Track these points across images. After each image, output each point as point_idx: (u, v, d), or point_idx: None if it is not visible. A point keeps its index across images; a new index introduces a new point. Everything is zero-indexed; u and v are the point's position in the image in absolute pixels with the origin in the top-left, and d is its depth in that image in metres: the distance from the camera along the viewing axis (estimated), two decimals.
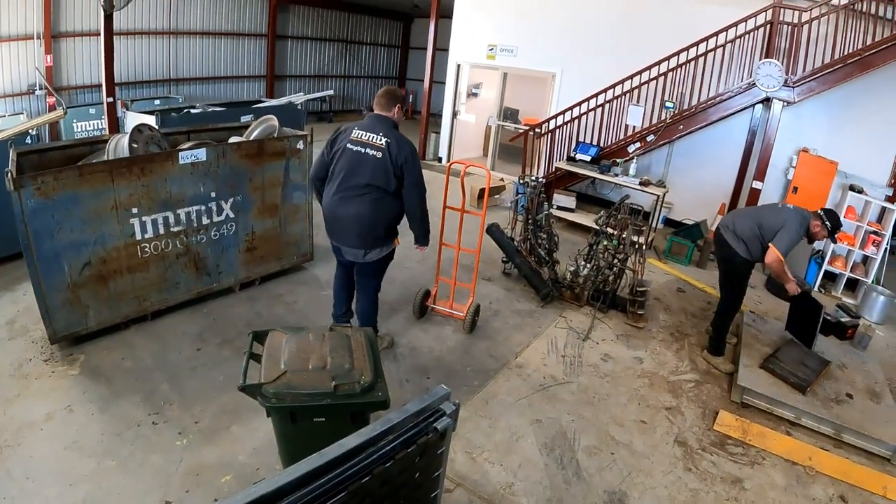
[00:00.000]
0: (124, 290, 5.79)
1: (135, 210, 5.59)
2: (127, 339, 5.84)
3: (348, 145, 4.88)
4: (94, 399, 5.03)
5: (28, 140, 8.08)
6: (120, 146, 5.90)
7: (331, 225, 5.10)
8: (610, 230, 7.06)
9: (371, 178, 4.80)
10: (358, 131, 4.90)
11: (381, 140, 4.79)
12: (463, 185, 6.17)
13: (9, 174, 4.87)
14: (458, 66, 14.18)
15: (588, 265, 7.05)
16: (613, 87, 10.44)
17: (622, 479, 4.42)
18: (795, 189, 9.08)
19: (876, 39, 8.05)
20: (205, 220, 6.15)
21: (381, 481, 2.16)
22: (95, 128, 13.85)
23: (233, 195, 6.29)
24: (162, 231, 5.84)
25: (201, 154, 5.88)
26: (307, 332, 3.72)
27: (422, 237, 5.29)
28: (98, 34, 12.34)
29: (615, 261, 6.95)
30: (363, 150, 4.81)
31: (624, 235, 6.94)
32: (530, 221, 7.52)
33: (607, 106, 10.68)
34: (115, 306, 5.79)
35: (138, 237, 5.70)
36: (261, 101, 13.31)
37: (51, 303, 5.36)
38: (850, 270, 8.92)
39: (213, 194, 6.11)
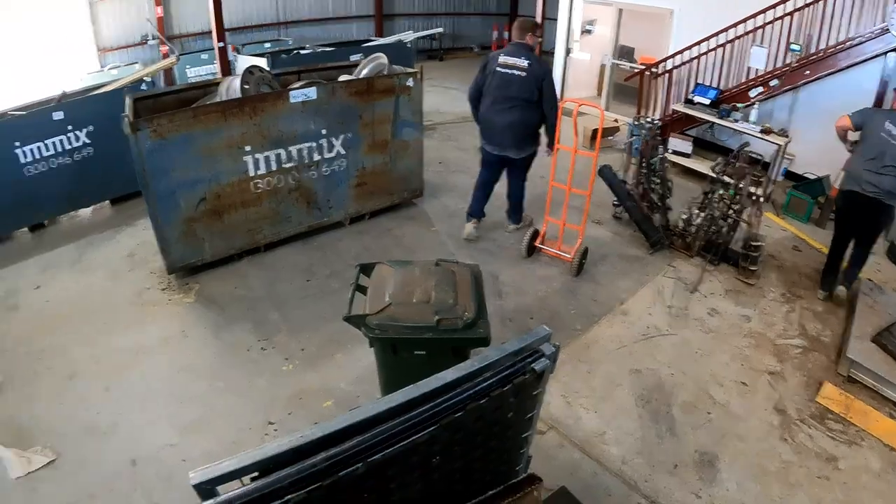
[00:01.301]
0: (238, 224, 6.06)
1: (248, 148, 5.80)
2: (240, 269, 6.14)
3: (497, 69, 6.07)
4: (207, 325, 5.36)
5: (143, 87, 8.48)
6: (232, 88, 6.13)
7: (487, 132, 6.39)
8: (726, 179, 6.68)
9: (518, 93, 6.01)
10: (504, 57, 6.07)
11: (523, 62, 5.98)
12: (575, 124, 6.06)
13: (126, 118, 5.15)
14: (571, 1, 13.61)
15: (701, 214, 6.72)
16: (735, 25, 9.77)
17: (715, 440, 4.28)
18: None
19: None
20: (316, 157, 6.30)
21: (474, 417, 2.16)
22: (208, 73, 14.26)
23: (343, 132, 6.38)
24: (274, 167, 6.04)
25: (311, 93, 5.98)
26: (413, 266, 3.76)
27: (552, 141, 6.19)
28: None
29: (730, 212, 6.61)
30: (510, 72, 6.01)
31: (741, 186, 6.59)
32: (644, 165, 7.20)
33: (728, 46, 9.99)
34: (229, 239, 6.08)
35: (251, 173, 5.92)
36: (370, 41, 13.32)
37: (168, 236, 5.73)
38: None
39: (323, 131, 6.23)
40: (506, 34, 20.44)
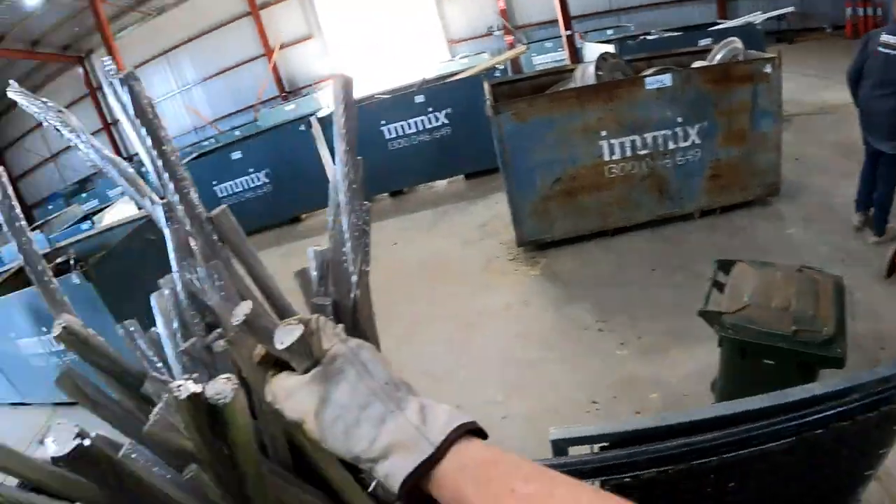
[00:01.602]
0: (588, 206, 6.28)
1: (603, 133, 5.98)
2: (586, 250, 6.33)
3: (879, 48, 5.21)
4: (548, 298, 5.69)
5: (497, 74, 9.15)
6: (587, 74, 6.36)
7: (864, 119, 5.62)
8: None
9: None
10: (885, 36, 5.17)
11: None
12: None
13: (488, 101, 5.80)
14: None
15: None
16: None
17: None
18: None
19: None
20: (670, 145, 6.20)
21: (834, 437, 2.05)
22: (553, 60, 14.81)
23: (698, 121, 6.19)
24: (628, 153, 6.12)
25: (666, 79, 5.94)
26: (775, 269, 3.58)
27: None
28: None
29: None
30: (893, 52, 5.08)
31: None
32: None
33: None
34: (579, 220, 6.35)
35: (605, 158, 6.09)
36: (716, 24, 12.77)
37: (522, 211, 6.24)
38: None
39: (679, 119, 6.11)
40: (861, 10, 18.13)
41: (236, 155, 10.11)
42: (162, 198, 0.93)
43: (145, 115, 0.87)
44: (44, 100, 1.02)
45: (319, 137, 9.39)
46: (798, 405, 2.04)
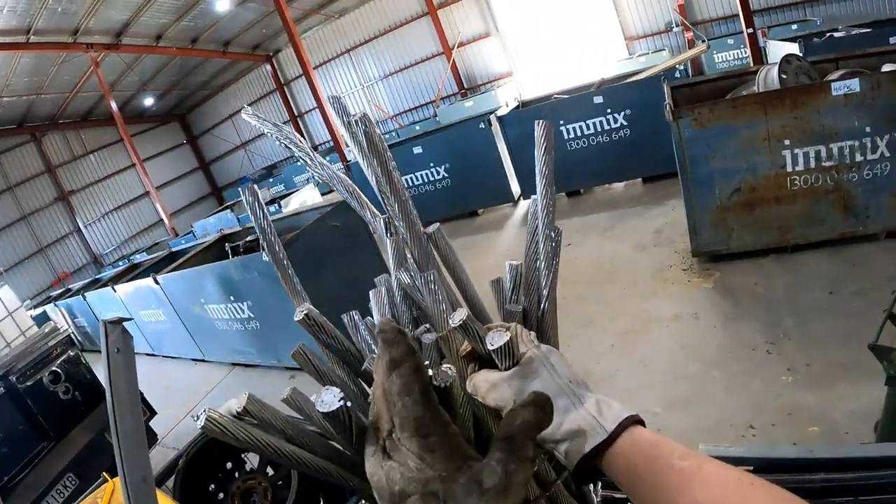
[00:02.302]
0: (768, 219, 6.03)
1: (786, 142, 5.71)
2: (762, 266, 6.08)
3: None
4: (719, 313, 5.55)
5: (676, 75, 9.01)
6: (769, 78, 6.07)
7: None
8: None
9: None
10: None
11: None
12: None
13: (667, 106, 5.70)
14: None
15: None
16: None
17: None
18: None
19: None
20: (858, 157, 5.71)
21: None
22: (735, 58, 14.31)
23: (889, 131, 5.62)
24: (813, 165, 5.76)
25: (854, 84, 5.47)
26: None
27: None
28: None
29: None
30: None
31: None
32: None
33: None
34: (757, 233, 6.11)
35: (788, 169, 5.80)
36: None
37: (699, 220, 6.12)
38: None
39: (867, 129, 5.61)
40: None
41: (417, 149, 10.75)
42: (383, 213, 1.13)
43: (377, 149, 1.07)
44: (276, 123, 1.21)
45: (498, 135, 9.74)
46: None
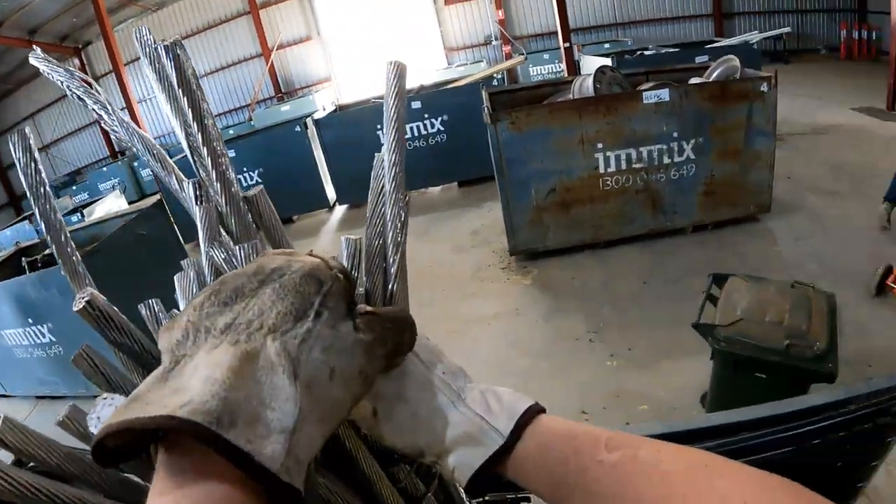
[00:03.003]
0: (582, 218, 6.34)
1: (599, 145, 6.04)
2: (578, 261, 6.38)
3: None
4: (539, 308, 5.71)
5: (494, 83, 9.23)
6: (585, 86, 6.42)
7: None
8: None
9: None
10: None
11: None
12: None
13: (486, 109, 5.86)
14: None
15: None
16: None
17: None
18: None
19: None
20: (665, 160, 6.27)
21: (829, 449, 2.11)
22: (550, 71, 14.99)
23: (694, 136, 6.27)
24: (624, 166, 6.18)
25: (664, 94, 6.01)
26: (768, 284, 3.65)
27: None
28: None
29: None
30: None
31: None
32: None
33: None
34: (572, 231, 6.40)
35: (601, 170, 6.15)
36: (713, 42, 12.85)
37: (516, 220, 6.27)
38: None
39: (675, 134, 6.19)
40: (856, 33, 18.43)
41: (230, 153, 10.07)
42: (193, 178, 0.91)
43: (189, 84, 0.87)
44: (69, 68, 0.98)
45: (314, 140, 9.44)
46: (796, 415, 2.08)
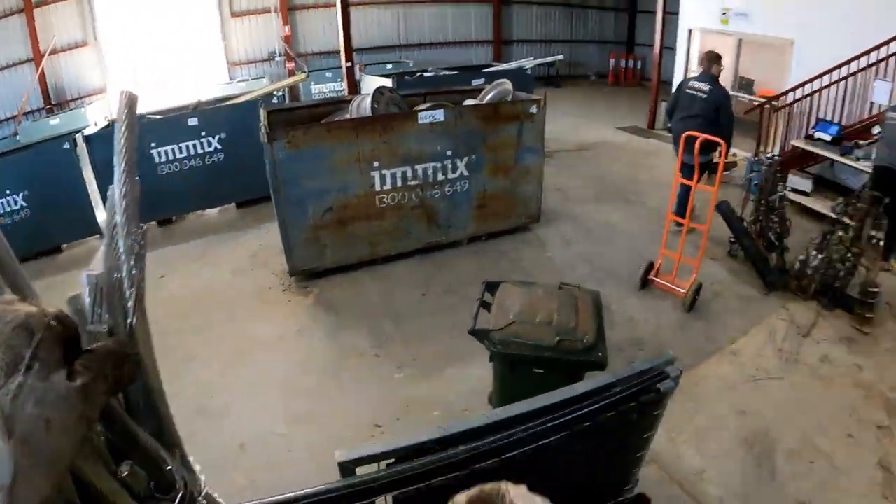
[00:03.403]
0: (360, 235, 6.42)
1: (376, 164, 6.17)
2: (358, 278, 6.45)
3: (686, 90, 7.63)
4: (323, 327, 5.71)
5: (274, 100, 9.04)
6: (363, 106, 6.50)
7: (675, 139, 7.39)
8: (847, 220, 6.46)
9: (700, 111, 7.35)
10: (692, 82, 7.63)
11: (705, 87, 7.39)
12: (697, 157, 6.09)
13: (263, 128, 5.72)
14: (689, 31, 13.47)
15: (819, 256, 6.58)
16: (858, 58, 9.41)
17: (815, 490, 4.16)
18: None
19: None
20: (440, 177, 6.57)
21: (602, 428, 2.32)
22: (332, 90, 15.00)
23: (468, 154, 6.63)
24: (399, 184, 6.37)
25: (439, 115, 6.28)
26: (537, 288, 3.94)
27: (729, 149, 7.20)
28: (331, 6, 13.18)
29: (848, 255, 6.46)
30: (695, 93, 7.44)
31: (862, 228, 6.35)
32: (762, 202, 7.12)
33: (851, 80, 9.68)
34: (351, 248, 6.45)
35: (377, 188, 6.28)
36: (491, 66, 13.58)
37: (293, 240, 6.18)
38: None
39: (448, 153, 6.51)
40: (623, 62, 21.38)
41: None
42: None
43: None
44: None
45: (85, 158, 8.66)
46: (567, 403, 2.27)
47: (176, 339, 5.37)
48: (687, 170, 6.98)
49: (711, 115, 7.37)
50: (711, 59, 7.68)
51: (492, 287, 4.03)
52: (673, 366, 2.59)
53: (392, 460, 2.03)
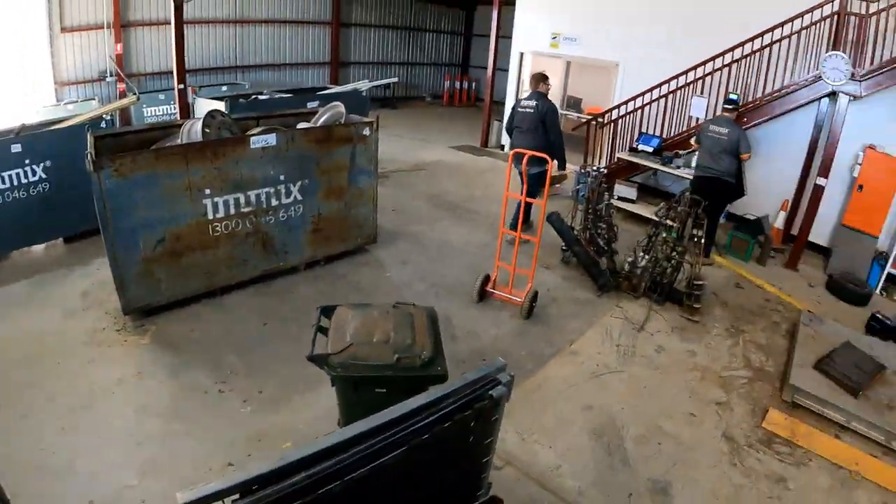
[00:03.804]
0: (195, 266, 6.10)
1: (207, 191, 5.90)
2: (196, 312, 6.16)
3: (518, 108, 8.47)
4: (163, 367, 5.35)
5: (103, 125, 8.47)
6: (193, 131, 6.23)
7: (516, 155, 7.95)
8: (669, 222, 7.03)
9: (530, 124, 8.22)
10: (523, 100, 8.49)
11: (532, 103, 8.24)
12: (524, 173, 6.31)
13: (89, 156, 5.27)
14: (521, 54, 14.14)
15: (646, 257, 7.06)
16: (677, 77, 10.32)
17: (667, 469, 4.47)
18: (861, 187, 8.87)
19: None
20: (273, 202, 6.42)
21: (440, 439, 2.35)
22: (165, 113, 14.31)
23: (301, 178, 6.53)
24: (233, 211, 6.14)
25: (272, 139, 6.14)
26: (372, 309, 3.93)
27: (561, 163, 8.32)
28: (166, 23, 12.71)
29: (673, 253, 6.95)
30: (525, 110, 8.31)
31: (683, 228, 6.91)
32: (590, 211, 7.59)
33: (671, 97, 10.55)
34: (186, 281, 6.11)
35: (210, 216, 6.01)
36: (326, 88, 13.55)
37: (125, 276, 5.73)
38: None
39: (282, 177, 6.38)
40: (457, 84, 22.66)
41: None
42: None
43: None
44: None
45: None
46: (403, 418, 2.28)
47: (5, 394, 4.94)
48: (521, 183, 7.82)
49: (541, 129, 8.17)
50: (538, 79, 8.47)
51: (327, 311, 3.99)
52: (504, 372, 2.69)
53: (236, 496, 1.96)
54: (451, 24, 24.38)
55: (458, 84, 22.94)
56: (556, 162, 7.38)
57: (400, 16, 22.16)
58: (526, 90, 14.97)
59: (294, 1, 18.56)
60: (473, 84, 23.29)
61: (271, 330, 5.90)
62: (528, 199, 6.76)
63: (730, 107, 8.50)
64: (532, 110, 8.24)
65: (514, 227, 7.65)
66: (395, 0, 21.71)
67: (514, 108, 8.67)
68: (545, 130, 8.23)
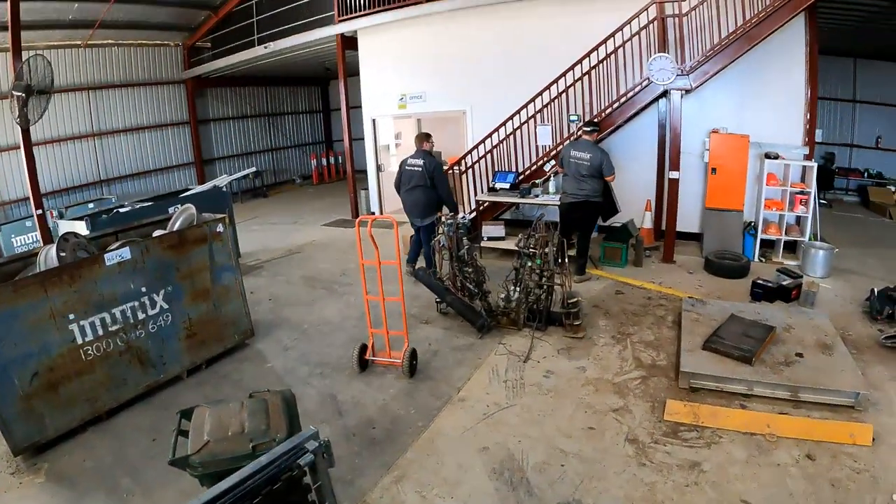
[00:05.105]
0: (75, 394, 5.94)
1: (71, 316, 5.80)
2: (86, 440, 5.97)
3: (405, 167, 9.37)
4: (61, 502, 5.16)
5: None
6: (49, 257, 6.14)
7: (405, 207, 9.64)
8: (531, 250, 7.29)
9: (418, 181, 9.19)
10: (409, 160, 9.36)
11: (420, 161, 9.19)
12: (372, 237, 6.44)
13: None
14: (374, 120, 14.62)
15: (517, 289, 7.31)
16: (518, 112, 10.94)
17: (574, 488, 4.54)
18: (714, 170, 9.52)
19: (755, 12, 8.64)
20: (140, 315, 6.35)
21: None
22: (34, 240, 13.82)
23: (163, 287, 6.50)
24: (101, 332, 6.04)
25: (125, 253, 6.13)
26: (227, 403, 4.08)
27: (452, 209, 9.31)
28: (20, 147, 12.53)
29: (542, 279, 7.24)
30: (413, 168, 9.25)
31: (545, 253, 7.20)
32: (454, 259, 7.85)
33: (518, 132, 11.17)
34: (69, 411, 5.93)
35: (79, 341, 5.89)
36: (188, 190, 13.48)
37: (6, 416, 5.52)
38: (786, 233, 9.55)
39: (143, 289, 6.33)
40: (324, 160, 23.55)
41: None
42: None
43: None
44: None
45: None
46: (222, 495, 2.45)
47: None
48: (415, 232, 9.65)
49: (429, 184, 9.16)
50: (422, 138, 9.45)
51: (187, 414, 4.10)
52: (315, 439, 2.86)
53: None
54: (308, 102, 24.92)
55: (324, 161, 23.42)
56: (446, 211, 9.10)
57: (255, 104, 22.50)
58: (393, 153, 15.77)
59: (148, 105, 18.56)
60: (339, 158, 23.66)
61: (161, 444, 5.73)
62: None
63: (588, 128, 9.01)
64: (420, 168, 9.13)
65: (409, 261, 9.64)
66: (248, 89, 21.95)
67: (401, 167, 9.52)
68: (433, 186, 9.14)
